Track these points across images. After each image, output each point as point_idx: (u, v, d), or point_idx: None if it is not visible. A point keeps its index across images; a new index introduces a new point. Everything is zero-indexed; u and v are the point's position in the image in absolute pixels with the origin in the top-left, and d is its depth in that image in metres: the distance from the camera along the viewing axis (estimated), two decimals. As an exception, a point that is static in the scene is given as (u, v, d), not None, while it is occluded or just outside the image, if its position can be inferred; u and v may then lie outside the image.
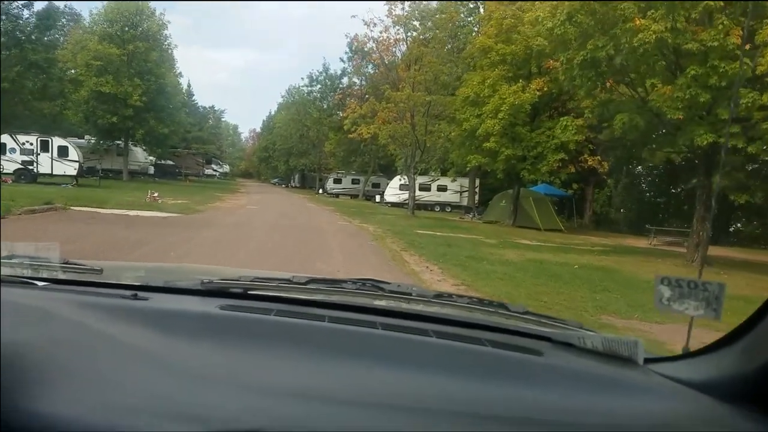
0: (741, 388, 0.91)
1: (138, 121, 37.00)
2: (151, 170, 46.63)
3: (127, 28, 36.85)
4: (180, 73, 67.99)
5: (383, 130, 24.60)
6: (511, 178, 25.03)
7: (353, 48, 42.53)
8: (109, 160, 43.27)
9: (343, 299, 1.42)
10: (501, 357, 1.07)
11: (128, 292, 1.24)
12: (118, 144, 41.22)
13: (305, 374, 0.93)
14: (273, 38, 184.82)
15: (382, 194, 47.55)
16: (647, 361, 1.12)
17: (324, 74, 46.21)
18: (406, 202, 43.22)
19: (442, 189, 41.30)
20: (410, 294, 1.49)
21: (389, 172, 48.77)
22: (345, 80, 45.88)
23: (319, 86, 46.37)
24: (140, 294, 1.24)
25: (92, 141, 39.02)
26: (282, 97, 73.04)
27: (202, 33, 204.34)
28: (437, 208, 41.33)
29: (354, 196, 50.09)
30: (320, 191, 55.66)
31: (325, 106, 47.88)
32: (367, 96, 34.86)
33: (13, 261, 1.47)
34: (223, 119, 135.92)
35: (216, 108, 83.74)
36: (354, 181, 51.19)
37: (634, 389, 0.98)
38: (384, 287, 1.51)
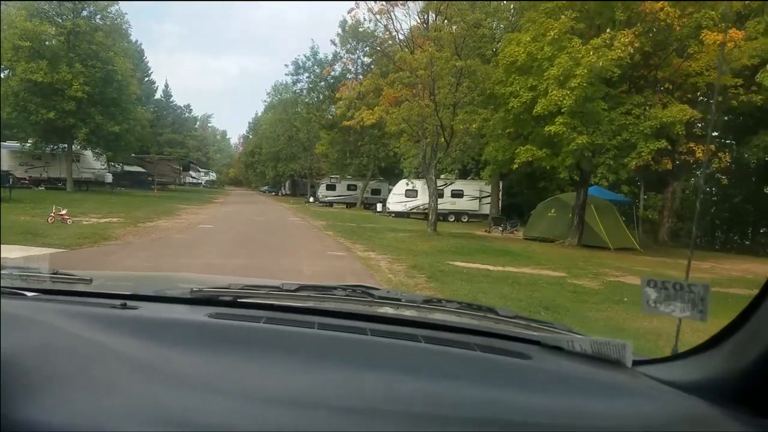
0: (728, 389, 0.91)
1: (81, 117, 29.74)
2: (109, 178, 39.33)
3: (66, 3, 29.66)
4: (150, 66, 61.17)
5: (393, 114, 17.46)
6: (563, 178, 17.84)
7: (346, 28, 35.44)
8: (57, 167, 36.15)
9: (333, 306, 1.41)
10: (490, 361, 1.07)
11: (118, 302, 1.23)
12: (66, 147, 34.05)
13: (294, 380, 0.92)
14: (267, 44, 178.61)
15: (383, 202, 40.46)
16: (636, 363, 1.11)
17: (312, 59, 39.11)
18: (414, 211, 36.44)
19: (457, 195, 34.24)
20: (400, 300, 1.54)
21: (391, 176, 41.60)
22: (338, 67, 38.73)
23: (306, 74, 39.29)
24: (130, 303, 1.23)
25: (27, 145, 31.76)
26: (267, 94, 65.60)
27: (196, 40, 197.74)
28: (452, 218, 34.26)
29: (350, 205, 42.91)
30: (311, 199, 48.38)
31: (314, 99, 40.53)
32: (361, 74, 27.70)
33: (2, 272, 1.44)
34: (210, 124, 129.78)
35: (191, 106, 75.36)
36: (350, 187, 43.98)
37: (622, 391, 0.98)
38: (374, 293, 1.53)
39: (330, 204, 43.42)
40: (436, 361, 1.04)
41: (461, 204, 34.14)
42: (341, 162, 42.07)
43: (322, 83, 39.37)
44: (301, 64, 38.35)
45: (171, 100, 72.36)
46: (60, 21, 29.08)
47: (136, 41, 54.55)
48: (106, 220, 17.36)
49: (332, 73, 38.24)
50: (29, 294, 1.28)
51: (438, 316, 1.43)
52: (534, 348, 1.18)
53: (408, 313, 1.45)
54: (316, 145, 46.63)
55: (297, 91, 39.39)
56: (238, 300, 1.36)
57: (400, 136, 31.30)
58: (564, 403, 0.92)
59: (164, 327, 1.10)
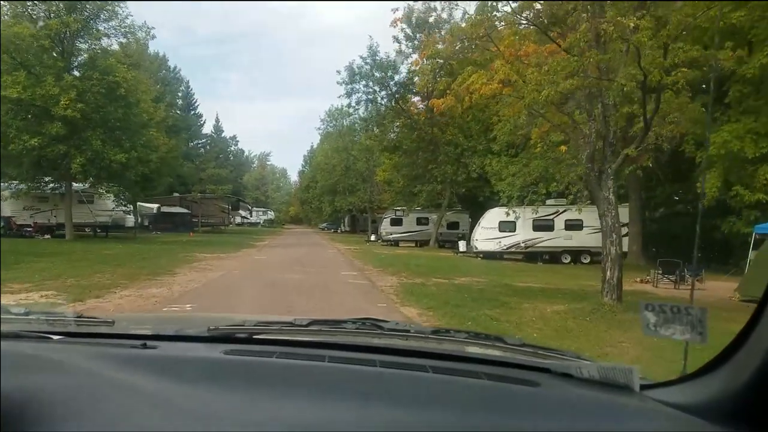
0: (731, 409, 0.92)
1: (75, 143, 23.00)
2: (130, 221, 32.66)
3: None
4: (196, 98, 55.78)
5: (536, 74, 8.60)
6: None
7: (414, 21, 27.50)
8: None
9: (343, 339, 1.45)
10: (498, 390, 1.07)
11: (138, 342, 1.27)
12: (76, 186, 27.70)
13: (305, 413, 0.94)
14: (326, 87, 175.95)
15: (463, 238, 31.55)
16: (644, 387, 1.11)
17: (370, 62, 31.05)
18: (510, 250, 27.21)
19: (573, 226, 24.82)
20: (408, 331, 1.57)
21: (473, 205, 32.70)
22: (403, 69, 30.39)
23: (364, 83, 31.42)
24: (149, 343, 1.26)
25: (17, 185, 25.40)
26: (321, 121, 58.65)
27: (259, 87, 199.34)
28: (566, 258, 24.83)
29: (422, 243, 34.21)
30: (372, 237, 40.06)
31: (373, 113, 32.39)
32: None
33: (30, 317, 1.53)
34: (269, 162, 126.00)
35: (238, 138, 69.25)
36: (420, 221, 35.32)
37: (630, 416, 0.99)
38: (383, 326, 1.55)
39: (395, 243, 34.95)
40: (444, 391, 1.05)
41: (580, 238, 24.69)
42: (408, 190, 33.56)
43: (383, 93, 31.27)
44: (356, 69, 30.61)
45: (222, 135, 67.36)
46: (47, 20, 22.68)
47: (175, 67, 49.38)
48: (20, 296, 9.68)
49: (395, 78, 30.10)
50: (55, 337, 1.32)
51: (446, 347, 1.46)
52: (542, 375, 1.17)
53: (417, 344, 1.46)
54: (376, 172, 38.63)
55: (353, 105, 31.56)
56: (253, 336, 1.40)
57: (503, 137, 22.71)
58: (572, 429, 0.92)
59: (182, 364, 1.13)
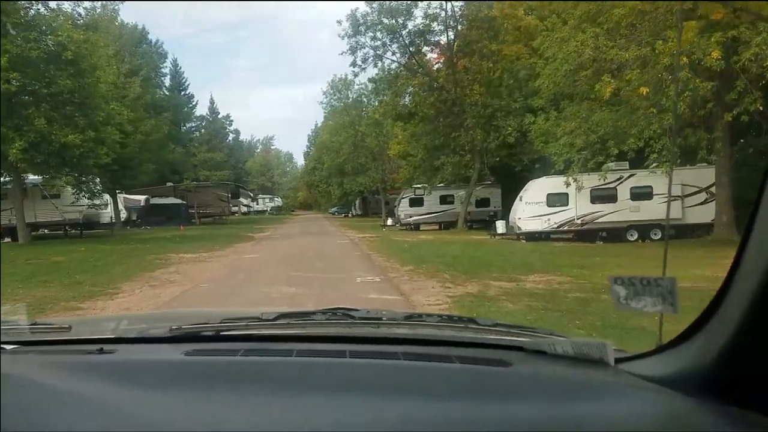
0: (704, 381, 0.91)
1: (15, 123, 18.33)
2: (105, 218, 28.09)
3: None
4: (186, 78, 50.92)
5: None
6: None
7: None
8: (31, 208, 25.52)
9: (313, 331, 1.40)
10: (470, 372, 1.05)
11: (95, 347, 1.21)
12: (34, 179, 23.30)
13: (271, 410, 0.90)
14: (331, 70, 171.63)
15: (495, 216, 26.75)
16: (618, 361, 1.10)
17: (378, 7, 25.20)
18: (561, 228, 22.18)
19: (641, 195, 19.86)
20: (380, 319, 1.49)
21: (507, 178, 27.72)
22: (419, 14, 24.99)
23: (371, 35, 25.84)
24: (106, 347, 1.21)
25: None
26: (324, 94, 53.46)
27: (266, 73, 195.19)
28: (632, 235, 19.94)
29: (448, 225, 29.38)
30: (389, 222, 35.20)
31: (384, 73, 27.11)
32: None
33: None
34: (273, 147, 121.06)
35: (231, 118, 63.76)
36: (444, 200, 30.40)
37: (605, 391, 0.98)
38: (354, 315, 1.49)
39: (416, 226, 30.14)
40: (415, 377, 1.02)
41: (650, 210, 19.67)
42: (428, 163, 28.59)
43: (395, 45, 26.10)
44: (361, 18, 25.27)
45: (218, 117, 62.51)
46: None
47: (157, 41, 44.40)
48: None
49: (409, 26, 24.84)
50: (8, 347, 1.24)
51: (419, 332, 1.42)
52: (516, 354, 1.15)
53: (389, 331, 1.41)
54: (390, 144, 33.69)
55: (358, 63, 26.32)
56: (220, 333, 1.32)
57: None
58: (545, 408, 0.90)
59: (139, 369, 1.08)
